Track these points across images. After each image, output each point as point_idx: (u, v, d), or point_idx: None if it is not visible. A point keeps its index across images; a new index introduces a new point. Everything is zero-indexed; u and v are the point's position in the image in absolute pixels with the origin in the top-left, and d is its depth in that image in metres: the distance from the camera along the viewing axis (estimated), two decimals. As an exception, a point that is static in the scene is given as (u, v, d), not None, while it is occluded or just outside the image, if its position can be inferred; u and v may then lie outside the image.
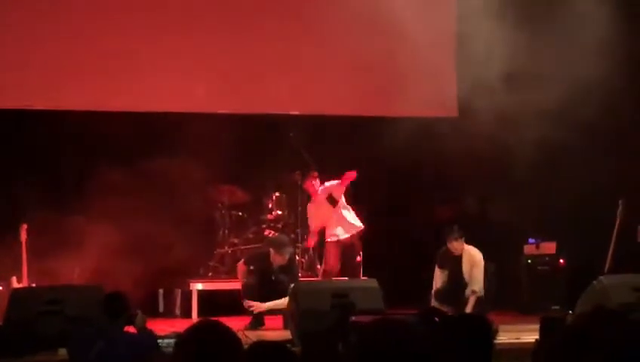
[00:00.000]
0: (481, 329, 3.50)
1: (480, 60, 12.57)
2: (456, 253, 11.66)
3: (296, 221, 13.01)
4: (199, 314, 12.28)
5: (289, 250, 11.29)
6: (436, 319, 3.39)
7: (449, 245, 11.65)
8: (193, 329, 3.81)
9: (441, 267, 11.73)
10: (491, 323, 3.67)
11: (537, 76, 12.37)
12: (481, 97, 12.35)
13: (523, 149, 12.55)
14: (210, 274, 12.93)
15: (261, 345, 3.45)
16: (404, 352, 2.63)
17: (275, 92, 12.85)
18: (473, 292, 11.46)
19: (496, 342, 7.79)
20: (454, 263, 11.66)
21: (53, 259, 11.32)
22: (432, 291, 11.66)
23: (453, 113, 13.51)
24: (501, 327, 9.50)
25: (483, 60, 12.51)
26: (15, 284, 10.79)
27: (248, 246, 12.82)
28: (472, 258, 11.66)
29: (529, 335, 8.70)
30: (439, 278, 11.71)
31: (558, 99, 12.36)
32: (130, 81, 12.63)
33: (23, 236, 11.16)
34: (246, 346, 3.59)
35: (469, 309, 11.32)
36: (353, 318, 7.32)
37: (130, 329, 7.42)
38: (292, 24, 13.17)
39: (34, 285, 10.86)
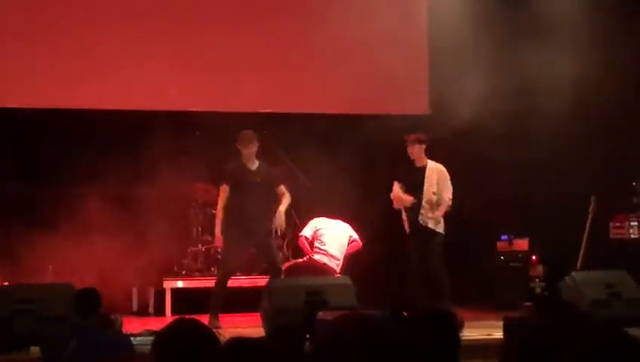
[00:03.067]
0: (448, 323, 3.52)
1: (453, 57, 12.65)
2: (418, 162, 11.35)
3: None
4: (173, 312, 12.26)
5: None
6: (404, 314, 3.40)
7: (409, 150, 11.33)
8: (171, 328, 3.81)
9: (400, 180, 11.41)
10: (458, 317, 3.67)
11: (511, 73, 12.42)
12: (453, 94, 12.41)
13: (496, 146, 12.63)
14: (183, 272, 12.91)
15: (238, 341, 3.46)
16: (369, 347, 2.64)
17: (248, 90, 12.85)
18: (446, 200, 11.29)
19: (467, 337, 7.86)
20: (416, 175, 11.38)
21: (27, 258, 11.28)
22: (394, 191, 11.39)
23: (425, 110, 13.55)
24: (473, 323, 9.59)
25: (456, 57, 12.59)
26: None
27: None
28: (441, 171, 11.37)
29: (501, 331, 8.72)
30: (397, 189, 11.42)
31: (530, 97, 12.46)
32: (103, 79, 12.58)
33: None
34: (223, 343, 3.60)
35: (440, 213, 11.26)
36: (321, 314, 7.33)
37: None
38: (267, 23, 13.17)
39: (7, 283, 10.81)
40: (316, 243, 12.05)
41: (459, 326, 3.66)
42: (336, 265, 11.89)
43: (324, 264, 11.81)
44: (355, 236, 12.20)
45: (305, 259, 12.10)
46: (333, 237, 12.05)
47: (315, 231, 12.16)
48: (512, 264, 12.84)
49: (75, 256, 11.29)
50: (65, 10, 12.62)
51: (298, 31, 13.18)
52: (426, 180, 11.32)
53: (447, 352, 3.41)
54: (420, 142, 11.37)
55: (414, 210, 11.25)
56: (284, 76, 13.24)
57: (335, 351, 2.73)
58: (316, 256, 11.92)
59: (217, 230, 11.14)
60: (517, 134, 12.86)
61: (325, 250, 11.93)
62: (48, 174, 12.48)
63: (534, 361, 2.96)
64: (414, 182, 11.33)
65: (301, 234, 12.27)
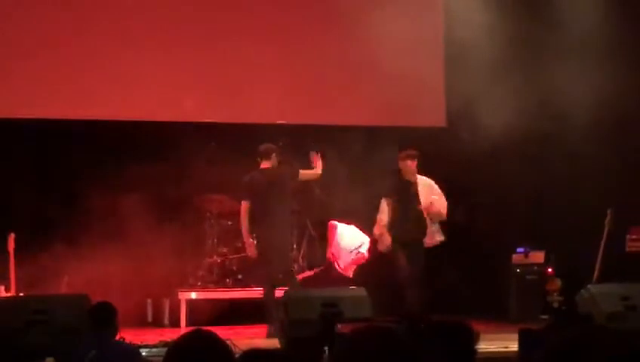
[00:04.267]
0: (463, 335, 3.50)
1: (468, 68, 12.63)
2: (412, 177, 11.42)
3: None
4: (188, 323, 12.24)
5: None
6: (421, 325, 3.39)
7: (402, 164, 11.41)
8: (184, 338, 3.79)
9: (391, 196, 11.45)
10: (473, 329, 3.66)
11: (525, 83, 12.40)
12: (469, 106, 12.39)
13: (511, 159, 12.61)
14: (199, 283, 12.90)
15: (255, 353, 3.43)
16: (387, 359, 2.63)
17: (262, 102, 12.86)
18: (440, 215, 11.38)
19: (483, 349, 7.83)
20: (407, 189, 11.46)
21: (42, 269, 11.29)
22: (379, 224, 11.43)
23: (442, 123, 13.53)
24: (489, 336, 9.55)
25: (471, 68, 12.56)
26: (3, 294, 10.75)
27: (237, 256, 12.80)
28: (431, 185, 11.47)
29: (516, 344, 8.69)
30: (386, 209, 11.47)
31: (547, 107, 12.42)
32: (117, 90, 12.63)
33: (11, 245, 11.12)
34: (237, 355, 3.57)
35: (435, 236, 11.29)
36: (339, 326, 7.31)
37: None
38: (279, 35, 13.20)
39: (22, 294, 10.82)
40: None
41: (475, 339, 3.64)
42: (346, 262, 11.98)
43: (340, 274, 11.84)
44: (364, 249, 12.18)
45: (319, 269, 12.10)
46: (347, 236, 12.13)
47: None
48: (527, 277, 12.80)
49: (90, 267, 11.29)
50: (84, 22, 12.65)
51: (314, 44, 13.19)
52: (420, 195, 11.42)
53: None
54: (412, 157, 11.45)
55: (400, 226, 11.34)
56: (297, 87, 13.24)
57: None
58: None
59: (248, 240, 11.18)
60: (533, 147, 12.82)
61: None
62: (64, 185, 12.51)
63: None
64: (408, 196, 11.41)
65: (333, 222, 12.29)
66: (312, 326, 8.94)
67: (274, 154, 11.19)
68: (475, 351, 3.51)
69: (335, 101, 13.25)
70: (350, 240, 12.19)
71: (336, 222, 12.30)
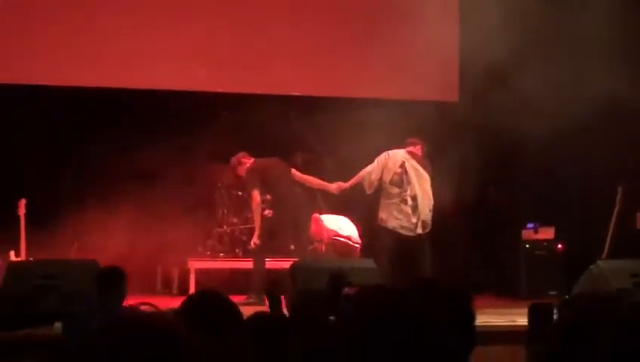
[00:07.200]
0: (463, 297, 3.50)
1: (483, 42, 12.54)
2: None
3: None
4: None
5: None
6: (428, 289, 3.39)
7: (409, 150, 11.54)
8: (193, 299, 3.80)
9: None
10: (470, 292, 3.66)
11: (541, 60, 12.34)
12: (482, 81, 12.35)
13: (523, 135, 12.55)
14: (208, 252, 12.93)
15: (262, 316, 3.44)
16: (393, 319, 2.62)
17: (276, 72, 12.84)
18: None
19: (491, 324, 7.83)
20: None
21: (52, 234, 11.32)
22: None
23: (454, 98, 13.48)
24: (497, 311, 9.57)
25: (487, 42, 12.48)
26: (13, 258, 10.80)
27: (247, 226, 12.81)
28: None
29: (525, 319, 8.69)
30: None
31: (560, 85, 12.35)
32: (130, 59, 12.62)
33: (22, 210, 11.16)
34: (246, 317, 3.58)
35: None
36: (346, 289, 7.33)
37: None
38: (294, 5, 13.17)
39: (32, 259, 10.86)
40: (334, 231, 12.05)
41: (473, 302, 3.65)
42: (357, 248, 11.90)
43: (347, 243, 11.81)
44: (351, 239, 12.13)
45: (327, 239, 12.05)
46: (347, 224, 12.06)
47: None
48: (537, 252, 12.79)
49: (100, 234, 11.32)
50: None
51: (327, 14, 13.14)
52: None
53: (463, 326, 3.40)
54: (414, 144, 11.52)
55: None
56: (311, 59, 13.20)
57: (360, 324, 2.71)
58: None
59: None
60: (544, 124, 12.77)
61: (348, 236, 11.93)
62: (74, 151, 12.52)
63: (564, 344, 2.93)
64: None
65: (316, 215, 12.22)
66: (319, 296, 8.96)
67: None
68: (474, 313, 3.52)
69: (348, 73, 13.19)
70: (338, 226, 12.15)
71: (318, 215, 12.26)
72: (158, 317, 2.26)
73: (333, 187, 11.72)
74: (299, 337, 3.25)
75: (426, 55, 12.50)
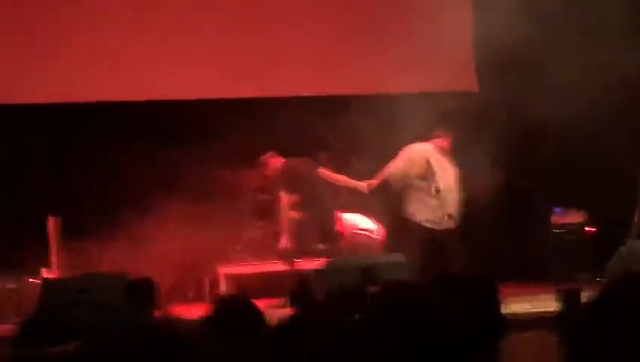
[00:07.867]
0: (488, 288, 3.52)
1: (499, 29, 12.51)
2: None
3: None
4: (228, 298, 12.27)
5: None
6: (451, 284, 3.40)
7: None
8: (218, 306, 3.85)
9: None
10: (496, 283, 3.66)
11: (561, 44, 12.30)
12: (501, 69, 12.33)
13: (548, 118, 12.51)
14: (237, 258, 12.95)
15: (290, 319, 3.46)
16: (417, 314, 2.65)
17: (290, 74, 12.85)
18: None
19: (519, 310, 7.83)
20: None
21: (83, 250, 11.40)
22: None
23: (473, 88, 13.43)
24: (526, 297, 9.58)
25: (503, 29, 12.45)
26: (46, 275, 10.88)
27: (274, 229, 12.83)
28: None
29: (554, 303, 8.71)
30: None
31: (580, 73, 12.29)
32: (149, 70, 12.64)
33: (51, 228, 11.25)
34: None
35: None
36: (371, 288, 7.35)
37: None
38: (305, 3, 13.19)
39: (64, 276, 10.96)
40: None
41: (498, 294, 3.66)
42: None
43: (367, 236, 11.86)
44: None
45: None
46: (364, 219, 12.11)
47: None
48: (566, 237, 12.74)
49: (129, 246, 11.39)
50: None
51: (338, 12, 13.13)
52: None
53: (489, 316, 3.43)
54: (439, 137, 11.62)
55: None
56: (323, 58, 13.19)
57: (384, 319, 2.75)
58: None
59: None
60: (566, 107, 12.73)
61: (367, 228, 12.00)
62: (100, 163, 12.58)
63: (595, 326, 2.92)
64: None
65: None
66: (347, 294, 8.98)
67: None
68: (500, 305, 3.54)
69: (363, 69, 13.15)
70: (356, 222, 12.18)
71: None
72: (186, 326, 2.30)
73: (363, 185, 11.71)
74: (319, 336, 3.28)
75: (442, 45, 12.45)
